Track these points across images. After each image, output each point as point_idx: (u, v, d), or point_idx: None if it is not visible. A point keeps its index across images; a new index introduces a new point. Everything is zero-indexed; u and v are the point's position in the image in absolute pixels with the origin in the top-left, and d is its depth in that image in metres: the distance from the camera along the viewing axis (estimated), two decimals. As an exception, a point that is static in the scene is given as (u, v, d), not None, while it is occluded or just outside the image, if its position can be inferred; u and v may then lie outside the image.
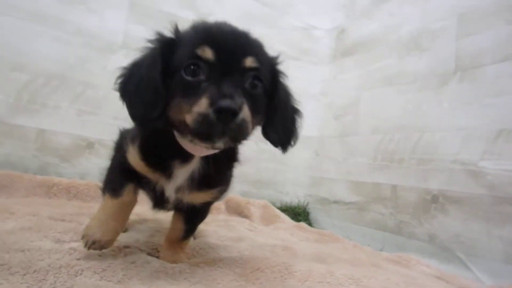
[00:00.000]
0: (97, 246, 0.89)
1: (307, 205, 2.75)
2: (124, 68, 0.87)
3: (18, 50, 1.94)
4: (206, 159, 0.88)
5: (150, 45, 0.84)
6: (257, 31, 2.81)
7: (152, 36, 0.85)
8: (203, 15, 2.42)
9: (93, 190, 1.89)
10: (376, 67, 2.37)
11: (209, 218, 2.06)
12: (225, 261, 1.05)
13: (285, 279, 0.99)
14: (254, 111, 0.72)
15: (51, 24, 2.01)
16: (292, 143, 0.88)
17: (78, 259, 0.88)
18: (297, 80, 2.80)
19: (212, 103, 0.66)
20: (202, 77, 0.72)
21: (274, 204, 2.61)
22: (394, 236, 2.01)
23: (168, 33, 0.84)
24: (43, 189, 1.80)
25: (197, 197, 0.94)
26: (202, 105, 0.67)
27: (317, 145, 2.80)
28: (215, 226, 1.83)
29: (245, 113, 0.67)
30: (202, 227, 1.68)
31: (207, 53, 0.72)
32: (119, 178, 0.94)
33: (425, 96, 2.00)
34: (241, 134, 0.70)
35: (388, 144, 2.15)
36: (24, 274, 0.73)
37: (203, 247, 1.29)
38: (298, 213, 2.67)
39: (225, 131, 0.67)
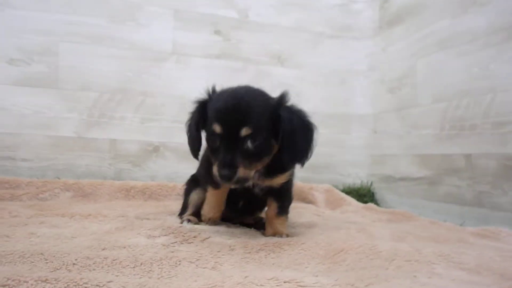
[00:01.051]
0: (211, 221, 1.33)
1: (371, 185, 2.71)
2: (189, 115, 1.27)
3: (84, 72, 2.15)
4: None
5: (195, 104, 1.22)
6: (294, 16, 2.82)
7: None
8: (242, 10, 2.49)
9: (165, 190, 2.06)
10: (429, 32, 2.24)
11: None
12: (307, 244, 1.07)
13: (371, 259, 0.98)
14: (257, 157, 1.08)
15: (107, 43, 2.20)
16: (305, 158, 1.16)
17: (172, 252, 0.97)
18: (341, 59, 2.79)
19: (218, 170, 1.04)
20: (217, 143, 1.08)
21: (336, 187, 2.59)
22: (475, 209, 1.89)
23: (205, 93, 1.20)
24: (122, 192, 1.99)
25: (273, 181, 1.24)
26: (215, 170, 1.06)
27: (373, 122, 2.74)
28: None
29: (241, 171, 1.03)
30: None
31: (217, 129, 1.06)
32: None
33: (491, 54, 1.84)
34: (244, 180, 1.07)
35: (455, 112, 2.03)
36: (134, 267, 0.83)
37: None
38: (363, 194, 2.64)
39: (231, 182, 1.05)
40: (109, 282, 0.69)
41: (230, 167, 1.01)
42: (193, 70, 2.35)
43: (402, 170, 2.44)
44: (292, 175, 1.31)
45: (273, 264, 0.93)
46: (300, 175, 2.64)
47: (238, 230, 1.29)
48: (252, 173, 1.07)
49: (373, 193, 2.70)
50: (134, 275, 0.79)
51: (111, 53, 2.19)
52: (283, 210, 1.31)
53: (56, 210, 1.53)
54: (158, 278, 0.78)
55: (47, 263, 0.81)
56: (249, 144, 1.02)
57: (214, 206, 1.32)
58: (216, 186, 1.25)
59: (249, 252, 1.01)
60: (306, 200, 2.34)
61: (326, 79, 2.69)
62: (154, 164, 2.26)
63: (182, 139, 2.30)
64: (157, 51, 2.28)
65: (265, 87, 2.65)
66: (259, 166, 1.10)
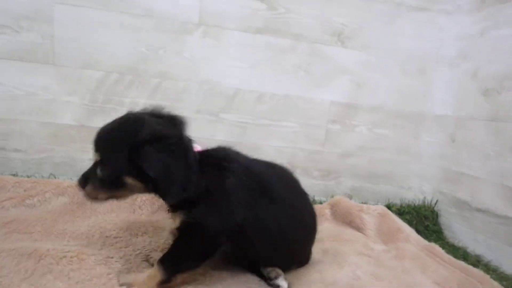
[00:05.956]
0: None
1: (436, 204, 2.17)
2: None
3: (87, 45, 1.73)
4: None
5: None
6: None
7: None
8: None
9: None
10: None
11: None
12: None
13: None
14: (105, 186, 1.06)
15: (116, 8, 1.73)
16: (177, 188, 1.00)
17: None
18: (424, 40, 2.09)
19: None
20: None
21: (392, 203, 2.14)
22: None
23: None
24: (127, 202, 1.62)
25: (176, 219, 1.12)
26: None
27: (453, 128, 2.12)
28: (320, 252, 1.46)
29: (88, 187, 1.06)
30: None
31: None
32: None
33: None
34: (91, 196, 1.08)
35: None
36: None
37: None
38: (425, 216, 2.13)
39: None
40: None
41: (83, 177, 1.07)
42: (226, 47, 1.85)
43: (484, 200, 1.87)
44: (197, 218, 1.04)
45: None
46: (351, 183, 2.18)
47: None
48: (101, 195, 1.08)
49: (437, 215, 2.17)
50: None
51: (121, 21, 1.74)
52: (166, 261, 1.06)
53: (31, 232, 1.26)
54: None
55: None
56: (100, 169, 1.05)
57: None
58: None
59: None
60: (353, 224, 1.88)
61: (400, 66, 2.07)
62: (171, 160, 1.87)
63: (207, 132, 1.91)
64: (180, 21, 1.79)
65: (319, 73, 2.07)
66: (110, 195, 1.09)
